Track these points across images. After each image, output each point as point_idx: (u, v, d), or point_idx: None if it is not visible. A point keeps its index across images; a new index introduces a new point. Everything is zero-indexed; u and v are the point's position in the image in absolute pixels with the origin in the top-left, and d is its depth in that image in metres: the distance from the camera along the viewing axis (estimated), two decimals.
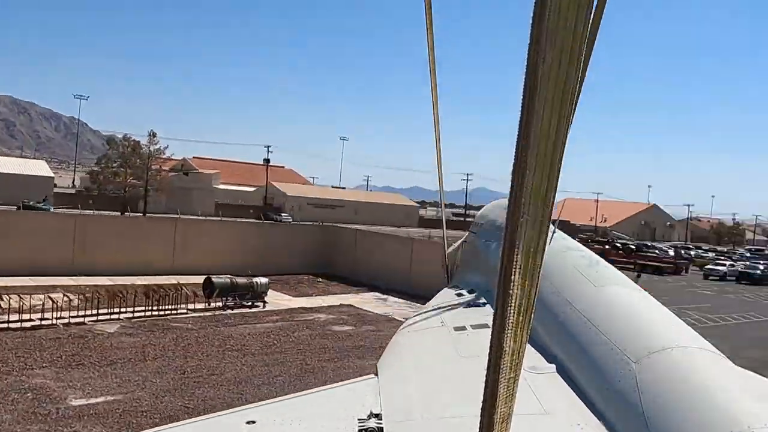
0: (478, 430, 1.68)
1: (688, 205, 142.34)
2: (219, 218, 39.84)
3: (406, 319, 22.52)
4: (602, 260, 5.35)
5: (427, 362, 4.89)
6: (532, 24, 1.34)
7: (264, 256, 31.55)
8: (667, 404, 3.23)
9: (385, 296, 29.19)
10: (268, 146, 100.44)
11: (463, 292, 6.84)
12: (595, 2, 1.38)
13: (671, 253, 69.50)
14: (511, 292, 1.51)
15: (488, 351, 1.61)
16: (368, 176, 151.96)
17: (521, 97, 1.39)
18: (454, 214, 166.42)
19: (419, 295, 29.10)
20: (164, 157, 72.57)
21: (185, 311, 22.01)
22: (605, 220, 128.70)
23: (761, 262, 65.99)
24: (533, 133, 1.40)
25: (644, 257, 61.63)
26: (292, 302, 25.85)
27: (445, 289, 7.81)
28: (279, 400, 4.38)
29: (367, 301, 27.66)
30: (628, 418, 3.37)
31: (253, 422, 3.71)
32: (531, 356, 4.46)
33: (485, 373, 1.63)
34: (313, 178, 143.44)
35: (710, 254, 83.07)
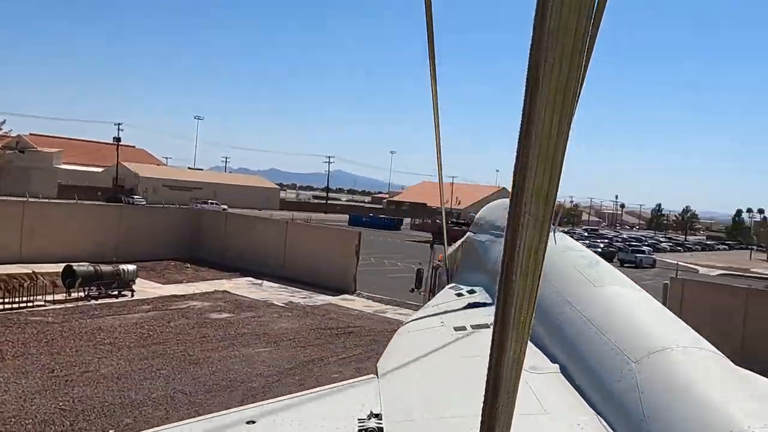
0: (479, 429, 1.68)
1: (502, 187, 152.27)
2: (73, 201, 36.57)
3: (286, 303, 22.12)
4: (602, 260, 5.40)
5: (427, 362, 4.81)
6: (534, 24, 1.35)
7: (125, 242, 29.54)
8: (667, 404, 3.24)
9: (259, 281, 28.41)
10: (119, 124, 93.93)
11: (463, 291, 6.85)
12: (596, 3, 1.39)
13: None
14: (512, 291, 1.53)
15: (489, 350, 1.62)
16: (227, 157, 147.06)
17: (522, 97, 1.40)
18: (314, 197, 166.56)
19: (295, 279, 28.80)
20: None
21: (43, 303, 19.99)
22: (459, 203, 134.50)
23: (643, 244, 71.07)
24: (535, 133, 1.41)
25: None
26: (162, 290, 24.39)
27: (445, 288, 7.80)
28: (279, 400, 4.30)
29: (242, 287, 26.78)
30: (628, 418, 3.36)
31: (253, 422, 3.68)
32: (532, 356, 4.44)
33: (486, 372, 1.64)
34: (167, 158, 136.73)
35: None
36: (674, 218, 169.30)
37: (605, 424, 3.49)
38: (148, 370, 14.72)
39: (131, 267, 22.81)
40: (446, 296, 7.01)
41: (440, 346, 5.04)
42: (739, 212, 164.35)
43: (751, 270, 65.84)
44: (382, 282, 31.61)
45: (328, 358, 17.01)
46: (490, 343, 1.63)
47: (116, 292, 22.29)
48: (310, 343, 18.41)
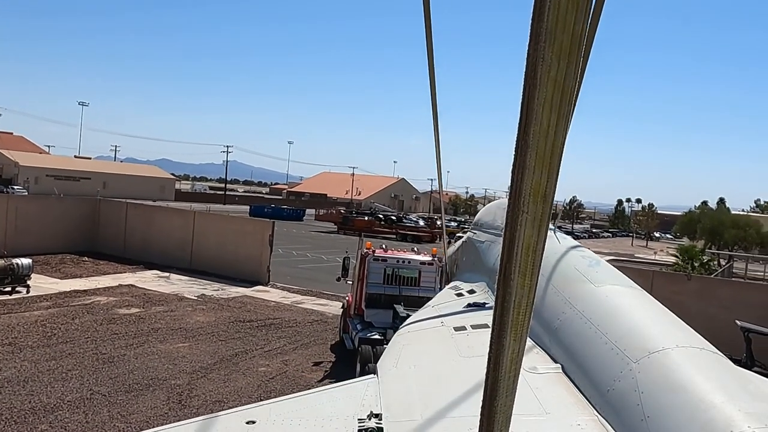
0: (478, 429, 1.67)
1: (431, 180, 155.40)
2: None
3: (198, 296, 21.23)
4: (603, 260, 5.44)
5: (427, 362, 4.81)
6: (532, 23, 1.33)
7: (13, 235, 27.15)
8: (667, 404, 3.24)
9: (166, 273, 27.01)
10: None
11: (463, 292, 6.83)
12: (594, 2, 1.39)
13: (421, 223, 75.07)
14: (510, 290, 1.52)
15: (488, 349, 1.61)
16: (116, 146, 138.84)
17: (520, 97, 1.39)
18: (211, 188, 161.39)
19: (205, 271, 27.67)
20: None
21: None
22: (360, 193, 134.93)
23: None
24: (532, 132, 1.40)
25: (405, 227, 65.84)
26: (60, 285, 22.62)
27: (446, 288, 7.81)
28: (279, 400, 4.29)
29: (149, 280, 25.34)
30: (628, 418, 3.36)
31: (253, 422, 3.68)
32: (532, 356, 4.47)
33: (485, 371, 1.63)
34: (49, 147, 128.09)
35: (453, 224, 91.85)
36: (562, 208, 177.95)
37: (605, 424, 3.49)
38: (57, 371, 13.52)
39: (26, 261, 20.97)
40: (446, 296, 7.00)
41: (440, 346, 5.09)
42: (620, 202, 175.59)
43: (636, 255, 70.25)
44: (294, 273, 31.00)
45: (252, 351, 16.36)
46: (489, 342, 1.62)
47: (9, 289, 20.43)
48: (231, 337, 17.65)
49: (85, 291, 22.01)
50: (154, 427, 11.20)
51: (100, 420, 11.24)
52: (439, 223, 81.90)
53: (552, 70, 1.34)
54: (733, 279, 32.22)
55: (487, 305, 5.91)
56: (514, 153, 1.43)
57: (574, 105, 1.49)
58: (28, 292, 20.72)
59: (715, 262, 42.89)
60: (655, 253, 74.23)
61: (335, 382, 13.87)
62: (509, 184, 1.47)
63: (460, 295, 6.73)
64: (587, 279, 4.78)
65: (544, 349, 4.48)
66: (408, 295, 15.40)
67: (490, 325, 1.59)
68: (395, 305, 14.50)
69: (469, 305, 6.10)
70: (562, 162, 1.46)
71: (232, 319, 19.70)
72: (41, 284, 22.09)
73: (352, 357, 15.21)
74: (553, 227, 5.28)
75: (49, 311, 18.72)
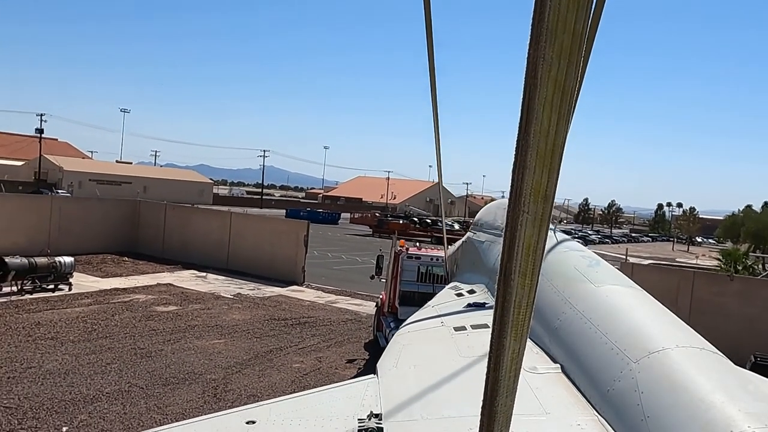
0: (478, 429, 1.67)
1: (467, 184, 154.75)
2: None
3: (234, 295, 21.43)
4: (603, 260, 5.44)
5: (426, 362, 4.83)
6: (533, 23, 1.33)
7: (56, 235, 27.89)
8: (667, 404, 3.23)
9: (203, 273, 27.41)
10: (42, 114, 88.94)
11: (463, 292, 6.85)
12: (594, 2, 1.39)
13: (456, 226, 74.71)
14: (511, 290, 1.52)
15: (488, 349, 1.61)
16: (156, 151, 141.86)
17: (521, 96, 1.39)
18: (248, 192, 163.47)
19: (241, 271, 27.98)
20: None
21: None
22: (395, 197, 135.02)
23: (573, 237, 73.11)
24: (533, 132, 1.40)
25: (439, 230, 65.60)
26: (101, 283, 23.13)
27: (445, 288, 7.83)
28: (279, 400, 4.33)
29: (186, 279, 25.74)
30: (628, 418, 3.36)
31: (253, 422, 3.70)
32: (532, 356, 4.46)
33: (486, 371, 1.64)
34: (92, 152, 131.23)
35: None
36: (600, 212, 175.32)
37: (605, 424, 3.49)
38: (97, 365, 13.81)
39: (68, 259, 21.49)
40: (446, 296, 7.01)
41: (440, 346, 5.10)
42: (660, 206, 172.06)
43: (677, 260, 68.73)
44: (329, 273, 31.15)
45: (286, 348, 16.47)
46: (489, 342, 1.61)
47: (52, 286, 20.95)
48: (266, 334, 17.80)
49: (124, 289, 22.47)
50: (189, 418, 11.38)
51: (138, 411, 11.44)
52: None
53: (553, 69, 1.34)
54: None
55: (486, 305, 5.92)
56: (514, 153, 1.44)
57: (575, 105, 1.49)
58: (70, 289, 21.23)
59: (760, 266, 41.72)
60: (697, 257, 72.51)
61: None
62: (510, 184, 1.48)
63: (460, 295, 6.74)
64: (587, 279, 4.77)
65: (543, 349, 4.48)
66: None
67: (490, 325, 1.59)
68: None
69: (469, 305, 6.10)
70: (562, 162, 1.46)
71: (267, 318, 19.87)
72: (82, 282, 22.62)
73: None
74: (552, 227, 5.23)
75: (90, 308, 19.15)
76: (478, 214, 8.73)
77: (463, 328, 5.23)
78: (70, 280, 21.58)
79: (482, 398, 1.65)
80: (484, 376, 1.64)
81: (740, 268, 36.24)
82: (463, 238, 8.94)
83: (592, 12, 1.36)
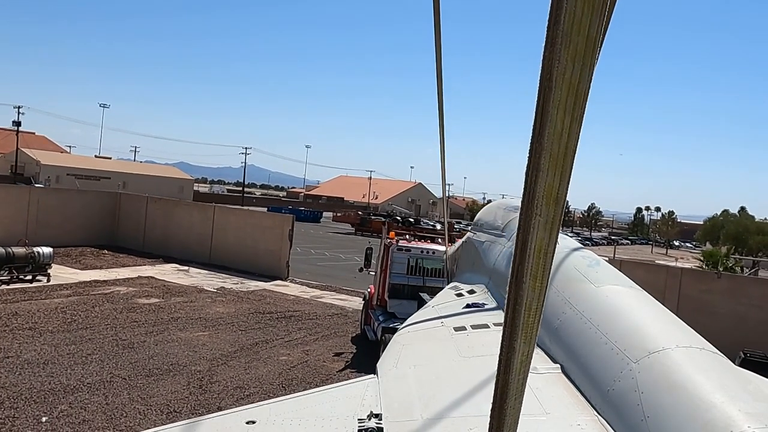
0: (487, 430, 1.68)
1: (449, 185, 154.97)
2: None
3: (217, 289, 21.07)
4: (603, 260, 5.36)
5: (426, 362, 4.83)
6: (548, 26, 1.34)
7: (34, 226, 27.26)
8: (667, 404, 3.23)
9: (185, 267, 26.96)
10: (19, 107, 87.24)
11: (463, 292, 6.80)
12: (608, 3, 1.38)
13: (438, 226, 74.83)
14: (522, 293, 1.52)
15: (499, 352, 1.60)
16: (136, 147, 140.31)
17: (535, 99, 1.39)
18: (228, 191, 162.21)
19: (224, 265, 27.56)
20: None
21: None
22: (377, 197, 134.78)
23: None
24: (547, 135, 1.39)
25: (422, 229, 65.60)
26: (80, 275, 22.60)
27: (445, 288, 7.73)
28: (279, 400, 4.34)
29: (168, 273, 25.27)
30: (628, 418, 3.35)
31: (253, 422, 3.70)
32: (533, 357, 4.27)
33: (495, 373, 1.63)
34: (70, 147, 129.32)
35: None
36: (580, 215, 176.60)
37: (605, 424, 3.49)
38: (77, 355, 13.40)
39: (47, 250, 20.97)
40: (446, 296, 6.99)
41: (440, 347, 5.10)
42: (639, 210, 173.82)
43: (656, 262, 69.34)
44: (313, 269, 30.83)
45: (272, 341, 16.14)
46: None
47: (30, 277, 20.44)
48: (251, 327, 17.45)
49: (104, 281, 21.98)
50: (174, 409, 11.03)
51: (120, 402, 11.06)
52: (456, 227, 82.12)
53: (567, 72, 1.34)
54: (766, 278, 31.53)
55: (486, 305, 5.92)
56: (528, 155, 1.42)
57: (585, 107, 1.49)
58: (48, 280, 20.72)
59: (739, 268, 42.17)
60: (676, 260, 73.24)
61: (356, 371, 13.71)
62: (523, 187, 1.46)
63: (460, 295, 6.72)
64: (587, 279, 4.76)
65: (543, 349, 4.46)
66: (433, 286, 15.07)
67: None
68: (421, 294, 14.20)
69: (468, 305, 6.07)
70: (574, 165, 1.45)
71: (251, 311, 19.53)
72: (61, 274, 22.09)
73: (372, 348, 14.95)
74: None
75: (69, 299, 18.66)
76: (478, 214, 8.70)
77: (463, 329, 5.22)
78: (49, 271, 21.08)
79: (492, 400, 1.64)
80: (495, 379, 1.62)
81: (721, 269, 36.57)
82: (463, 239, 8.92)
83: (606, 15, 1.36)
